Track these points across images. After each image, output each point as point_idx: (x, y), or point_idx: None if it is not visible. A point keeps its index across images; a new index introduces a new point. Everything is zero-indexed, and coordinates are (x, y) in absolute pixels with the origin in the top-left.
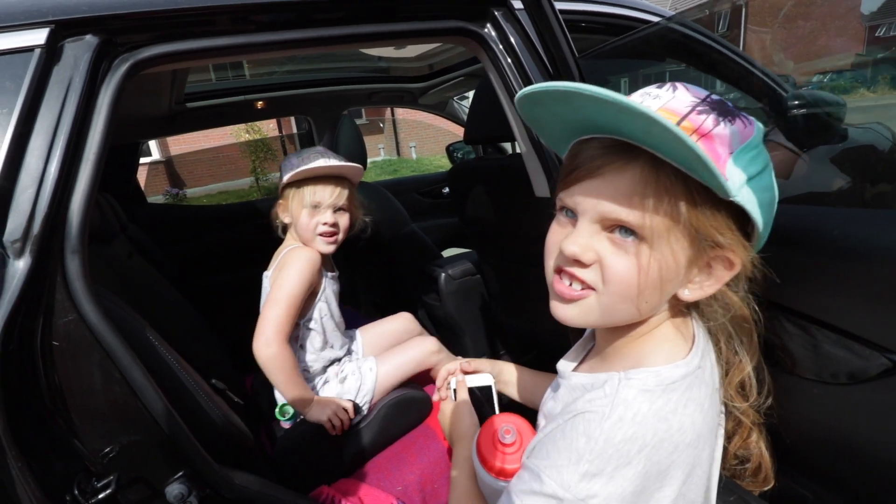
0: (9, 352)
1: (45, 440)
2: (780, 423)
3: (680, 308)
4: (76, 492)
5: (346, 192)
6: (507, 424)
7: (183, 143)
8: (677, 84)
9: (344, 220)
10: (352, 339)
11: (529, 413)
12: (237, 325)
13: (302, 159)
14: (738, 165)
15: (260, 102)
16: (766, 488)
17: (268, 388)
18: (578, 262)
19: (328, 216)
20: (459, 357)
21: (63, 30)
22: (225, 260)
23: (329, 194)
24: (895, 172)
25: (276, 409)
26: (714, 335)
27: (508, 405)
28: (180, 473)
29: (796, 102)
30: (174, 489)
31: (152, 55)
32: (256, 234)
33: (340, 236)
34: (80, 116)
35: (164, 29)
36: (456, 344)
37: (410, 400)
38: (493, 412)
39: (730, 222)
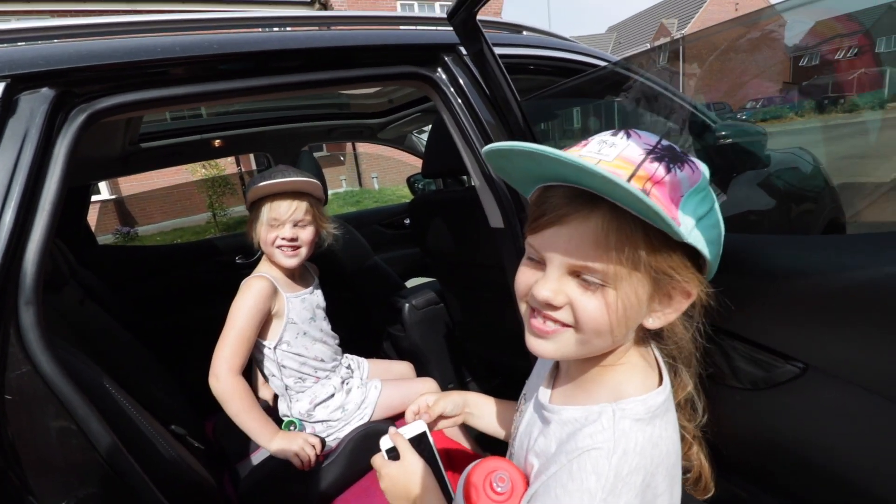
0: None
1: None
2: (714, 430)
3: (641, 336)
4: None
5: (304, 206)
6: (501, 471)
7: (134, 181)
8: (630, 131)
9: (305, 233)
10: (355, 362)
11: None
12: (196, 366)
13: (263, 178)
14: (688, 209)
15: (217, 141)
16: (707, 496)
17: (230, 431)
18: (551, 305)
19: (286, 230)
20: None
21: (19, 83)
22: (181, 300)
23: (286, 209)
24: (813, 193)
25: (283, 425)
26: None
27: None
28: None
29: (723, 133)
30: None
31: (109, 105)
32: (214, 272)
33: (304, 250)
34: (35, 167)
35: (121, 80)
36: (423, 373)
37: (378, 432)
38: (434, 456)
39: (684, 260)
